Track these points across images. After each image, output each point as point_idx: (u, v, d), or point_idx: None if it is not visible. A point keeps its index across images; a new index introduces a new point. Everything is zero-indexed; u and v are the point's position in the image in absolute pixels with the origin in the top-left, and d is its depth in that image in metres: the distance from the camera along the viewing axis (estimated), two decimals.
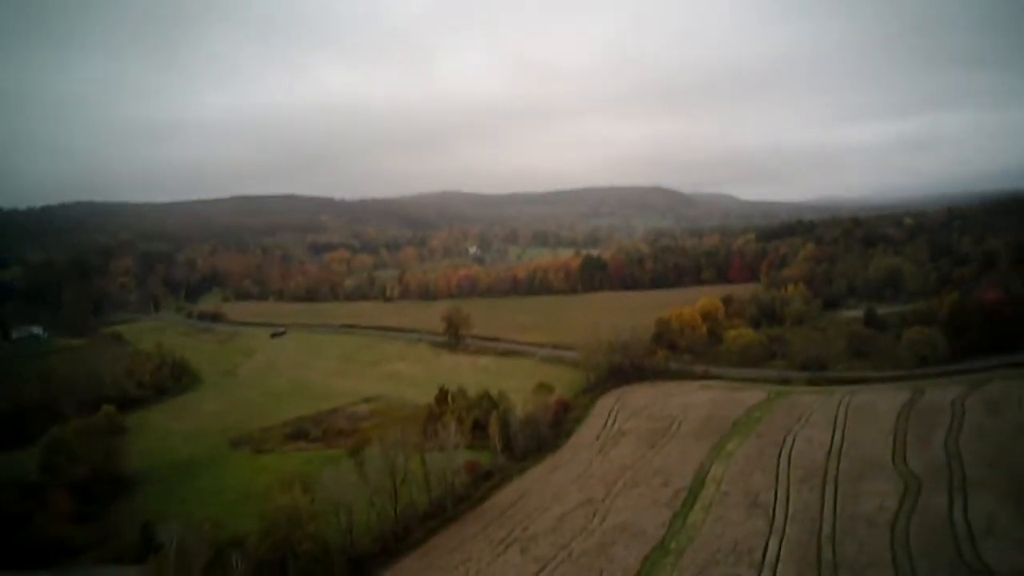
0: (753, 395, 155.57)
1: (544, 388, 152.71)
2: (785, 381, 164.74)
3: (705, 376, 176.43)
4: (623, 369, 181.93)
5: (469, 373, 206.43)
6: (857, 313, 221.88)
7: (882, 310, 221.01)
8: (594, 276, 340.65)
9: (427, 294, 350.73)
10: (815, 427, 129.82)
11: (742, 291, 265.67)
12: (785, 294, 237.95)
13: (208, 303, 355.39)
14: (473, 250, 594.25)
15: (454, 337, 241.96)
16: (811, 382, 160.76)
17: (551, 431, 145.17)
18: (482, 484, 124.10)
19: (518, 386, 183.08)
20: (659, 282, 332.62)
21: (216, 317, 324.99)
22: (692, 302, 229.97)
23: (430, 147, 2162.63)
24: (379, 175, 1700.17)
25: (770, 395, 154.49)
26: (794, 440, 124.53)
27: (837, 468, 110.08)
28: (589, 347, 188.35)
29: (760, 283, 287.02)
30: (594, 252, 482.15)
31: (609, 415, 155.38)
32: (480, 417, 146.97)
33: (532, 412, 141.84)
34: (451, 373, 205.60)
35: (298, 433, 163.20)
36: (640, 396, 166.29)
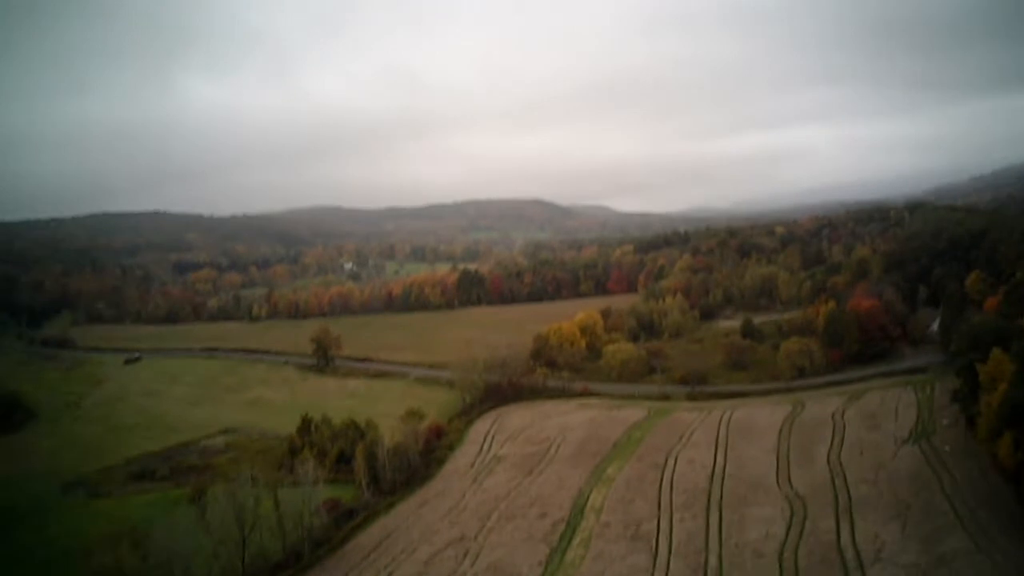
0: (633, 413, 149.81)
1: (414, 415, 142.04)
2: (665, 397, 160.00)
3: (585, 393, 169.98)
4: (500, 389, 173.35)
5: (337, 398, 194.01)
6: (734, 323, 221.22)
7: (758, 319, 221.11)
8: (472, 291, 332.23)
9: (297, 313, 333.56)
10: (697, 447, 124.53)
11: (621, 303, 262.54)
12: (663, 306, 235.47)
13: (56, 328, 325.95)
14: (348, 266, 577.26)
15: (323, 359, 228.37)
16: (691, 397, 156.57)
17: (422, 460, 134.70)
18: (344, 524, 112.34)
19: (389, 411, 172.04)
20: (538, 296, 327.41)
21: (63, 343, 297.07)
22: (571, 316, 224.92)
23: (305, 161, 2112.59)
24: (252, 190, 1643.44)
25: (650, 412, 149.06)
26: (676, 462, 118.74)
27: (721, 492, 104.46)
28: (464, 366, 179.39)
29: (639, 294, 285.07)
30: (472, 266, 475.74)
31: (485, 440, 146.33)
32: (345, 448, 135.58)
33: (401, 441, 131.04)
34: (318, 398, 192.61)
35: (143, 472, 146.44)
36: (517, 418, 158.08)
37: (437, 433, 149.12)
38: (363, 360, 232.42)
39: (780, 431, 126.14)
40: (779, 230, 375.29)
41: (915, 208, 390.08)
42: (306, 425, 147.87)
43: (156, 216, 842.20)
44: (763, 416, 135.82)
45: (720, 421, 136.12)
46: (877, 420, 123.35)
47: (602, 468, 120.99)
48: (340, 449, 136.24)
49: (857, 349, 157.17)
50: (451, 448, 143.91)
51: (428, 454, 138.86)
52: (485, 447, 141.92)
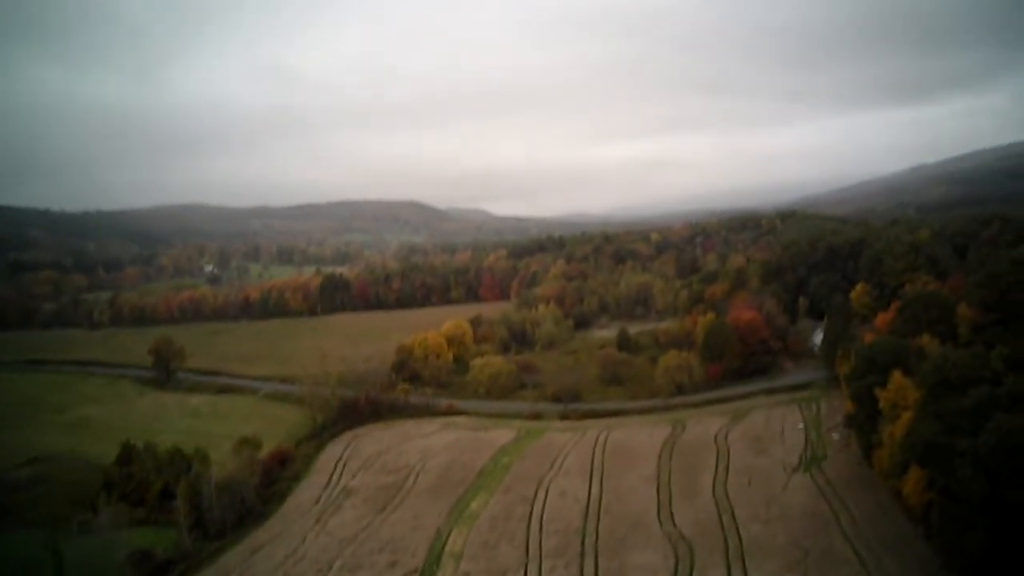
0: (502, 434, 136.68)
1: (248, 443, 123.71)
2: (537, 416, 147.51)
3: (450, 411, 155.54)
4: (357, 407, 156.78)
5: (176, 417, 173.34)
6: (610, 333, 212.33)
7: (634, 329, 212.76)
8: (336, 296, 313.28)
9: (143, 319, 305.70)
10: (570, 475, 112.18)
11: (492, 311, 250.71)
12: (536, 314, 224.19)
13: None
14: (209, 268, 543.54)
15: (164, 372, 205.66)
16: (564, 416, 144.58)
17: (260, 496, 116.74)
18: None
19: (233, 432, 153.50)
20: (406, 302, 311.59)
21: None
22: (440, 323, 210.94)
23: (169, 156, 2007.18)
24: (109, 185, 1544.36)
25: (520, 434, 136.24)
26: (547, 494, 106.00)
27: (597, 532, 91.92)
28: (316, 381, 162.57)
29: (511, 302, 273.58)
30: (341, 270, 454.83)
31: (335, 468, 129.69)
32: (171, 482, 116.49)
33: (234, 474, 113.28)
34: (153, 418, 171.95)
35: None
36: (374, 441, 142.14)
37: (281, 460, 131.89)
38: (210, 373, 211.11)
39: (660, 456, 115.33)
40: (654, 237, 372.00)
41: (786, 217, 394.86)
42: (126, 454, 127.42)
43: None
44: (641, 438, 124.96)
45: (595, 443, 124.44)
46: (763, 443, 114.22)
47: (465, 502, 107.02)
48: (165, 483, 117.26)
49: (738, 364, 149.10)
50: (296, 479, 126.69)
51: (268, 487, 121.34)
52: (335, 477, 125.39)
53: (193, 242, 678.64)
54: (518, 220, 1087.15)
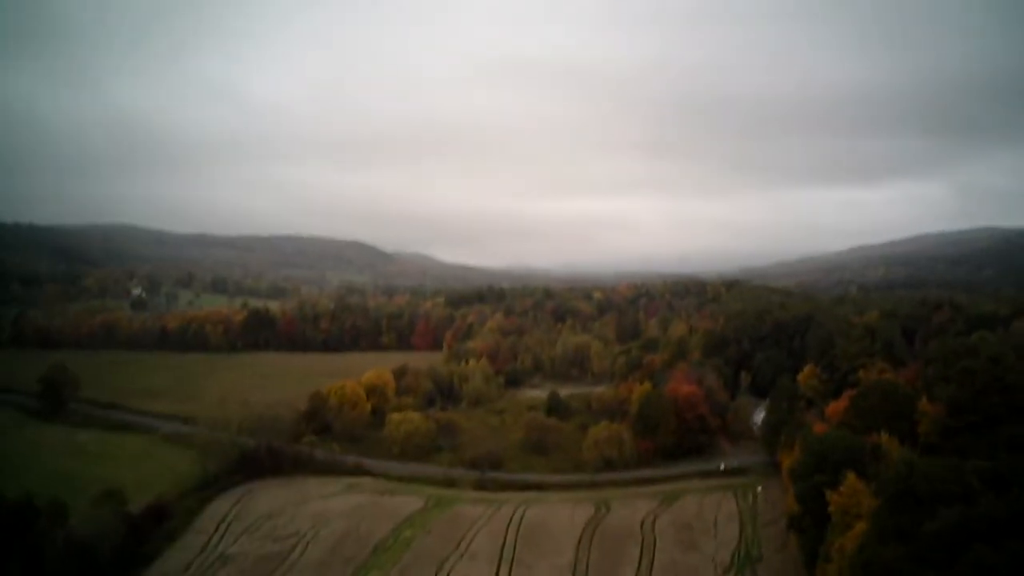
0: (408, 502, 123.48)
1: (111, 498, 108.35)
2: (450, 482, 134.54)
3: (357, 471, 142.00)
4: (256, 458, 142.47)
5: (54, 456, 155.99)
6: (541, 393, 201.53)
7: (567, 391, 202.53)
8: (260, 333, 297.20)
9: (47, 342, 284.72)
10: (476, 559, 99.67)
11: (422, 360, 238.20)
12: (466, 369, 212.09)
13: None
14: (137, 292, 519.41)
15: (53, 403, 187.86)
16: (479, 485, 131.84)
17: (121, 558, 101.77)
18: None
19: (116, 477, 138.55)
20: (334, 345, 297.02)
21: None
22: (366, 370, 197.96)
23: (103, 173, 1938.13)
24: (35, 198, 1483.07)
25: (428, 503, 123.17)
26: None
27: None
28: (215, 425, 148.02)
29: (443, 353, 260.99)
30: (273, 304, 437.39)
31: (217, 529, 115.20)
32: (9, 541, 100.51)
33: (91, 533, 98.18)
34: (25, 456, 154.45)
35: None
36: (268, 499, 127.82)
37: (158, 515, 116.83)
38: (108, 407, 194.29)
39: (579, 542, 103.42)
40: (597, 295, 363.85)
41: (731, 285, 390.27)
42: None
43: None
44: (561, 518, 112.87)
45: (509, 521, 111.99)
46: (693, 535, 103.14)
47: None
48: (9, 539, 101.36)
49: (672, 441, 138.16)
50: (170, 539, 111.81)
51: (135, 547, 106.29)
52: (214, 540, 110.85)
53: (127, 264, 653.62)
54: (464, 268, 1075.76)
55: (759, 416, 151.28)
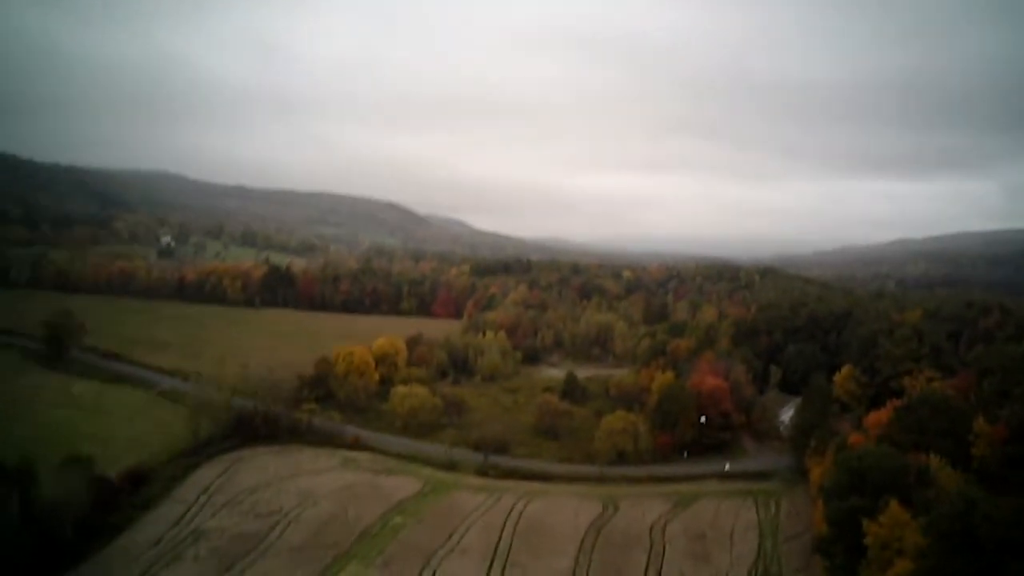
0: (404, 484, 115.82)
1: (78, 463, 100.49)
2: (451, 465, 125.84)
3: (355, 445, 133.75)
4: (252, 423, 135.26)
5: (46, 406, 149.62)
6: (559, 372, 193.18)
7: (587, 371, 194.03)
8: (278, 290, 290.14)
9: (66, 285, 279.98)
10: (468, 554, 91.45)
11: (439, 329, 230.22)
12: (482, 341, 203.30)
13: None
14: (166, 240, 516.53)
15: (55, 349, 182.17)
16: (482, 471, 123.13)
17: (87, 527, 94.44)
18: None
19: (106, 433, 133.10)
20: (353, 306, 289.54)
21: None
22: (382, 335, 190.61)
23: (147, 118, 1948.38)
24: (78, 139, 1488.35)
25: (426, 487, 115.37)
26: None
27: None
28: (213, 384, 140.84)
29: (463, 322, 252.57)
30: (300, 261, 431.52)
31: (197, 500, 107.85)
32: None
33: (56, 498, 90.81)
34: (17, 404, 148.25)
35: None
36: (256, 469, 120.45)
37: (134, 481, 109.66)
38: (111, 356, 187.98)
39: (582, 544, 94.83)
40: (626, 274, 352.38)
41: (766, 272, 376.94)
42: None
43: None
44: (564, 515, 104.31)
45: (508, 515, 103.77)
46: (707, 546, 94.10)
47: (331, 574, 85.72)
48: None
49: (692, 436, 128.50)
50: (145, 507, 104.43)
51: (105, 515, 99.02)
52: (191, 513, 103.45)
53: (158, 212, 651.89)
54: (497, 237, 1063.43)
55: (787, 415, 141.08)
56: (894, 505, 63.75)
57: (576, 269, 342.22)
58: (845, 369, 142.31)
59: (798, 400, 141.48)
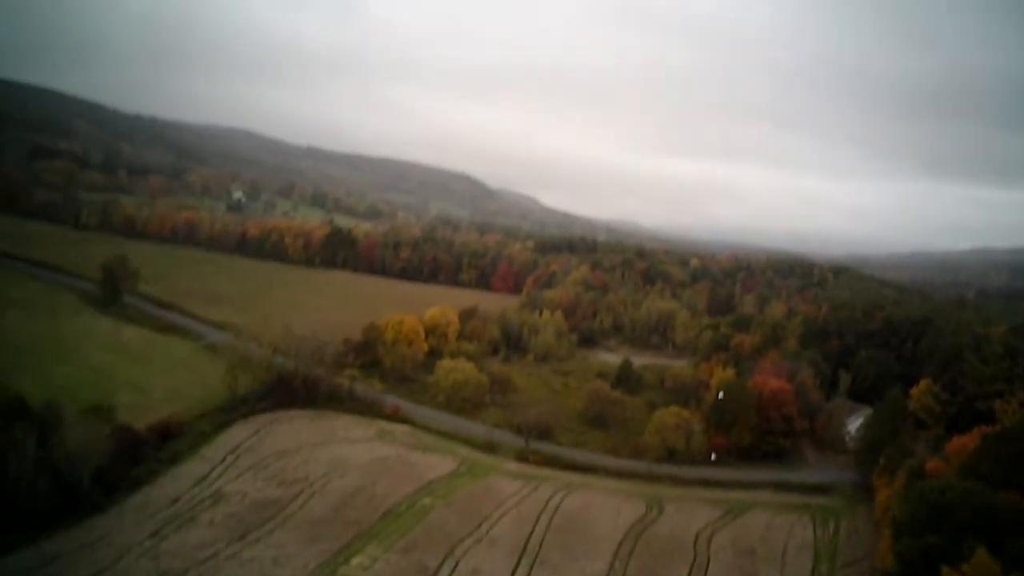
0: (439, 463, 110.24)
1: (99, 412, 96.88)
2: (491, 447, 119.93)
3: (394, 416, 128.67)
4: (291, 385, 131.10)
5: (94, 349, 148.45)
6: (614, 358, 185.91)
7: (643, 360, 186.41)
8: (339, 252, 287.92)
9: (132, 232, 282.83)
10: (495, 547, 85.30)
11: (496, 304, 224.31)
12: (538, 320, 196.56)
13: None
14: (237, 195, 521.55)
15: (111, 294, 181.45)
16: (522, 456, 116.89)
17: (110, 478, 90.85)
18: None
19: (145, 382, 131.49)
20: (412, 274, 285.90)
21: None
22: (438, 303, 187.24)
23: (230, 74, 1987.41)
24: (165, 90, 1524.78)
25: (461, 467, 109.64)
26: (455, 568, 79.22)
27: None
28: (254, 339, 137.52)
29: (521, 298, 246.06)
30: (366, 225, 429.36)
31: (224, 460, 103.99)
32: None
33: (75, 446, 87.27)
34: (67, 344, 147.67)
35: None
36: (289, 434, 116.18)
37: (163, 434, 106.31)
38: (164, 306, 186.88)
39: (619, 547, 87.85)
40: (693, 262, 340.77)
41: (840, 271, 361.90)
42: None
43: (46, 93, 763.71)
44: (604, 513, 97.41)
45: (545, 507, 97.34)
46: (755, 563, 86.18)
47: (347, 553, 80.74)
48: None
49: (749, 441, 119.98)
50: (170, 462, 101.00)
51: (129, 466, 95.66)
52: (215, 473, 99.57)
53: (231, 167, 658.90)
54: (566, 215, 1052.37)
55: (855, 425, 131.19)
56: (981, 553, 54.72)
57: (641, 253, 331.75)
58: (923, 383, 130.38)
59: (867, 410, 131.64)
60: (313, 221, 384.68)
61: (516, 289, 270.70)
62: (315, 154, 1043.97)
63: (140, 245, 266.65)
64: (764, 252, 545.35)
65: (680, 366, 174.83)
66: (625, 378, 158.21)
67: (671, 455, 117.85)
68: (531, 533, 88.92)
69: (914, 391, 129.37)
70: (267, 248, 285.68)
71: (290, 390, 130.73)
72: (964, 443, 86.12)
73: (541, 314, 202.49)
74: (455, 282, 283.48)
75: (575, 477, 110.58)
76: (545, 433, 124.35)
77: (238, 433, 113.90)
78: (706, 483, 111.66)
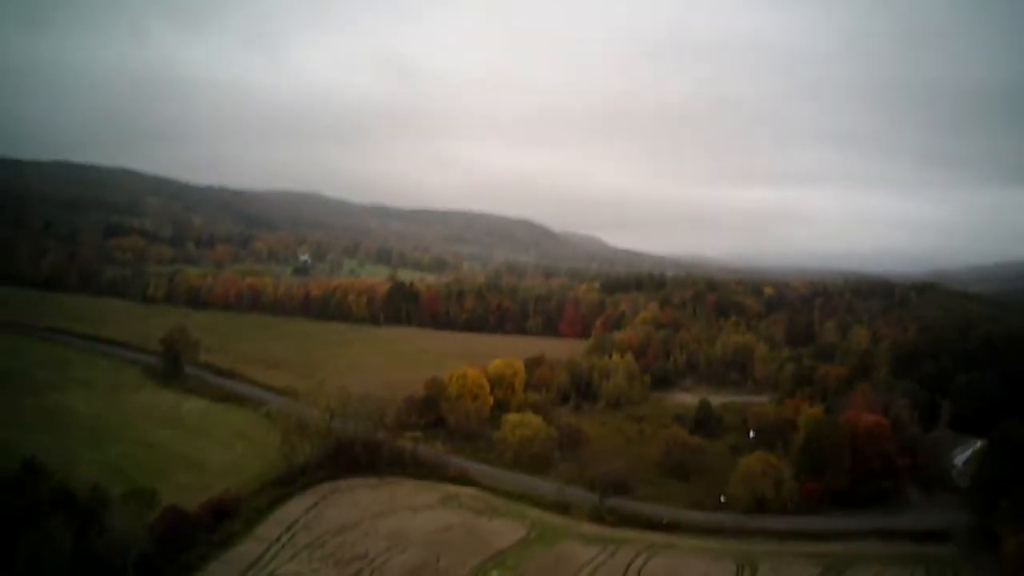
0: (507, 529, 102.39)
1: (139, 497, 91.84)
2: (563, 507, 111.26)
3: (459, 478, 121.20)
4: (351, 449, 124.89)
5: (154, 424, 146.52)
6: (691, 398, 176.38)
7: (722, 398, 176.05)
8: (402, 307, 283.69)
9: (197, 301, 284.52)
10: None
11: (565, 349, 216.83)
12: (608, 363, 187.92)
13: None
14: (304, 258, 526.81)
15: (172, 366, 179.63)
16: (596, 516, 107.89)
17: (154, 567, 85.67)
18: None
19: (200, 457, 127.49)
20: (478, 325, 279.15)
21: None
22: (504, 353, 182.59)
23: (287, 140, 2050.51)
24: (229, 162, 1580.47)
25: (531, 533, 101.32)
26: None
27: None
28: (306, 404, 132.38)
29: (590, 342, 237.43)
30: (430, 278, 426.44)
31: (279, 538, 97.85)
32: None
33: (118, 534, 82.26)
34: (127, 421, 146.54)
35: None
36: (349, 505, 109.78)
37: (216, 513, 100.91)
38: (225, 374, 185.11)
39: None
40: (767, 291, 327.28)
41: (923, 289, 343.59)
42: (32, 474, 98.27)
43: (122, 173, 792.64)
44: None
45: (624, 575, 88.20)
46: None
47: None
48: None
49: (846, 484, 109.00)
50: (224, 544, 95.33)
51: (177, 551, 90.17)
52: (269, 553, 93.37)
53: (298, 230, 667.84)
54: (632, 253, 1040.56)
55: (961, 459, 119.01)
56: None
57: (712, 285, 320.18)
58: None
59: (973, 441, 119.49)
60: (377, 278, 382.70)
61: (584, 333, 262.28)
62: (380, 211, 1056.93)
63: (204, 314, 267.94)
64: (838, 274, 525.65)
65: (761, 402, 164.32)
66: (704, 421, 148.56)
67: (760, 505, 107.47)
68: None
69: None
70: (331, 308, 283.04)
71: (350, 456, 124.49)
72: None
73: (611, 357, 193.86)
74: (522, 330, 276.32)
75: (656, 537, 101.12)
76: (621, 487, 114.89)
77: (295, 507, 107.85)
78: (801, 535, 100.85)
